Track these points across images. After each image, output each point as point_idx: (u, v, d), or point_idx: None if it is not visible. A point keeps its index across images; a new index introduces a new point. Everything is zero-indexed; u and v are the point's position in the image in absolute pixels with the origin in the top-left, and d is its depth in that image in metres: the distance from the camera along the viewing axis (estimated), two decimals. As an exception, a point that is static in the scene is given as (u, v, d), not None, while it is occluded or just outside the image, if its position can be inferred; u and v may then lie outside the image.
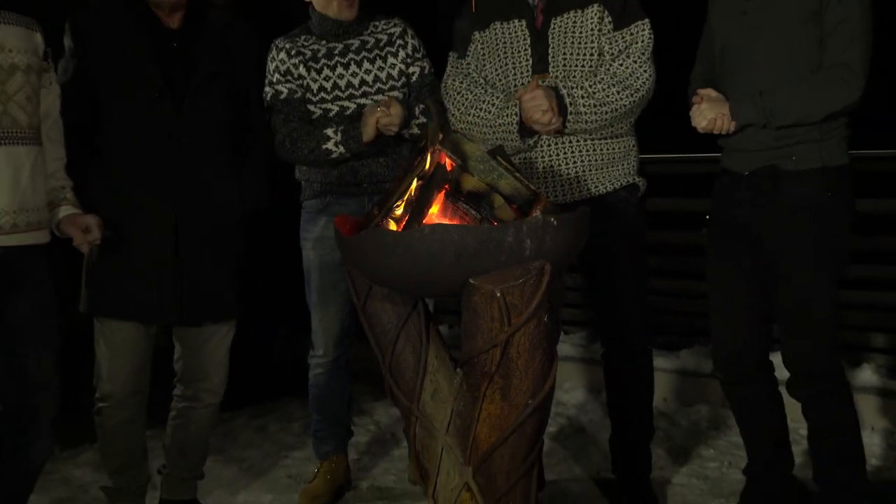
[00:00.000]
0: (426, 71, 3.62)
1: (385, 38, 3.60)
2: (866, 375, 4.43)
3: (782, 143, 2.95)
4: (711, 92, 3.04)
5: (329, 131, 3.43)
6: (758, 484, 3.27)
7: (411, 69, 3.61)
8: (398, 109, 3.33)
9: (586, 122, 3.22)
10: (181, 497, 3.41)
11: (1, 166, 2.66)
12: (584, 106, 3.21)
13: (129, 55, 3.09)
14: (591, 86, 3.22)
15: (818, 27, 2.90)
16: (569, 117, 3.20)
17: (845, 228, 3.01)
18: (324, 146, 3.42)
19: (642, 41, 3.31)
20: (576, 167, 3.32)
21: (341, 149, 3.41)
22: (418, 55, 3.63)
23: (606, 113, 3.23)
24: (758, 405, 3.23)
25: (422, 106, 3.52)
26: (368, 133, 3.35)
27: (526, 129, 3.23)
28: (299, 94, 3.52)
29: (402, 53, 3.60)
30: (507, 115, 3.23)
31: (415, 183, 2.54)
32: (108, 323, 3.16)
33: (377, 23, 3.63)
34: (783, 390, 3.20)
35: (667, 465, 4.03)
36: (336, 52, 3.55)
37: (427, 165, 2.53)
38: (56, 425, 2.94)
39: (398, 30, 3.63)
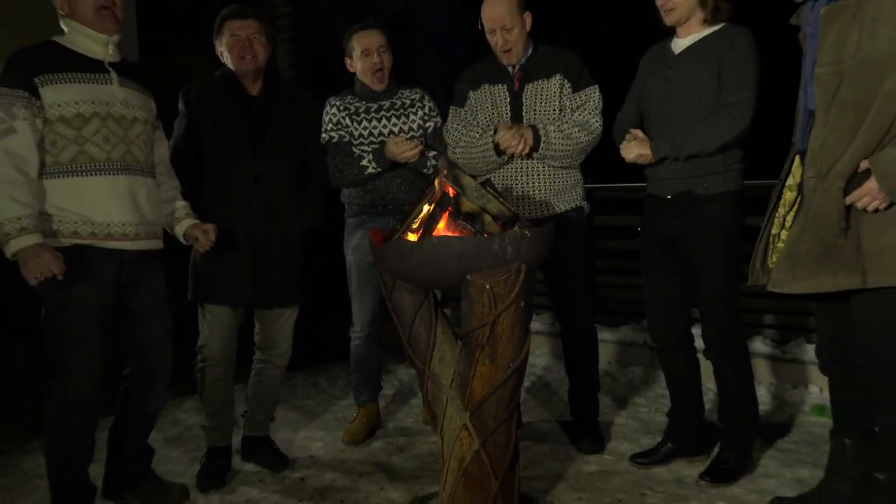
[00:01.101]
0: (438, 125, 3.60)
1: (408, 101, 3.61)
2: (758, 345, 4.41)
3: (696, 173, 2.94)
4: (639, 133, 3.04)
5: (365, 161, 3.44)
6: (678, 423, 3.26)
7: (427, 124, 3.61)
8: (410, 147, 3.38)
9: (554, 149, 3.23)
10: (258, 433, 3.41)
11: (123, 189, 2.64)
12: (554, 138, 3.23)
13: (222, 116, 3.11)
14: (559, 126, 3.24)
15: (719, 89, 2.90)
16: (542, 145, 3.22)
17: (740, 237, 3.01)
18: (364, 171, 3.44)
19: (594, 100, 3.32)
20: (542, 192, 3.32)
21: (374, 165, 3.43)
22: (433, 114, 3.63)
23: (570, 145, 3.24)
24: (682, 366, 3.22)
25: (433, 153, 3.53)
26: (390, 152, 3.39)
27: (499, 150, 3.26)
28: (346, 138, 3.53)
29: (420, 112, 3.60)
30: (487, 139, 3.26)
31: (427, 206, 2.54)
32: (207, 307, 3.17)
33: (403, 90, 3.63)
34: (701, 357, 3.21)
35: (610, 410, 4.02)
36: (372, 109, 3.56)
37: (436, 193, 2.54)
38: (168, 384, 2.95)
39: (418, 96, 3.64)
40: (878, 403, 2.45)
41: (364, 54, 3.51)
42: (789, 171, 2.57)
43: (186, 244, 2.94)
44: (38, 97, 2.51)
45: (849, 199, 2.29)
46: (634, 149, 3.02)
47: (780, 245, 2.57)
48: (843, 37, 2.28)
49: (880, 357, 2.39)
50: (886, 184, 2.22)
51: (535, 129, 3.23)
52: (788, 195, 2.56)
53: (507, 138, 3.20)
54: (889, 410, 2.43)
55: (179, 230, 2.90)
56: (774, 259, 2.59)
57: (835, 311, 2.56)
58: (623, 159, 3.10)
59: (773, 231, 2.60)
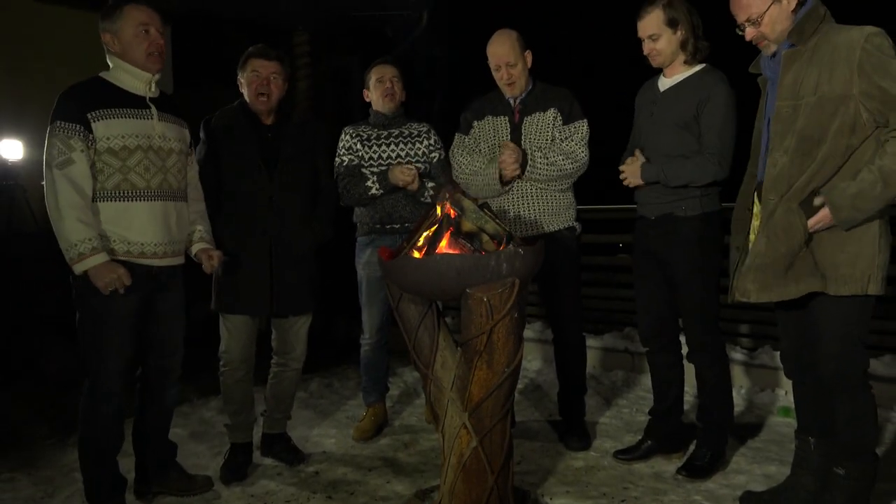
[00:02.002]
0: (441, 157, 3.63)
1: (416, 132, 3.63)
2: (729, 352, 4.39)
3: (676, 197, 2.98)
4: (639, 154, 3.06)
5: (369, 182, 3.46)
6: (659, 422, 3.25)
7: (432, 154, 3.63)
8: (410, 170, 3.40)
9: (539, 173, 3.27)
10: (276, 431, 3.39)
11: (159, 214, 2.68)
12: (539, 163, 3.27)
13: (239, 143, 3.12)
14: (545, 153, 3.27)
15: (697, 127, 2.93)
16: (528, 167, 3.26)
17: (718, 253, 3.02)
18: (368, 191, 3.46)
19: (581, 133, 3.33)
20: (535, 212, 3.34)
21: (377, 187, 3.45)
22: (438, 146, 3.65)
23: (553, 171, 3.27)
24: (667, 368, 3.21)
25: (431, 184, 3.54)
26: (394, 178, 3.41)
27: (503, 180, 3.28)
28: (356, 161, 3.55)
29: (426, 143, 3.62)
30: (491, 170, 3.29)
31: (430, 226, 2.54)
32: (227, 316, 3.16)
33: (412, 123, 3.66)
34: (686, 362, 3.20)
35: (595, 411, 4.00)
36: (383, 136, 3.58)
37: (439, 215, 2.54)
38: (181, 379, 2.96)
39: (425, 129, 3.67)
40: (835, 404, 2.45)
41: (378, 82, 3.58)
42: (754, 201, 2.59)
43: (197, 262, 2.95)
44: (91, 131, 2.55)
45: (809, 225, 2.34)
46: (629, 171, 3.06)
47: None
48: (801, 77, 2.37)
49: (836, 361, 2.41)
50: (838, 216, 2.29)
51: (524, 153, 3.28)
52: (755, 223, 2.57)
53: (506, 156, 3.23)
54: (845, 410, 2.43)
55: (192, 251, 2.92)
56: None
57: (796, 320, 2.58)
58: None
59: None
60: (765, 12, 2.41)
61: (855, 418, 2.42)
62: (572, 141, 3.31)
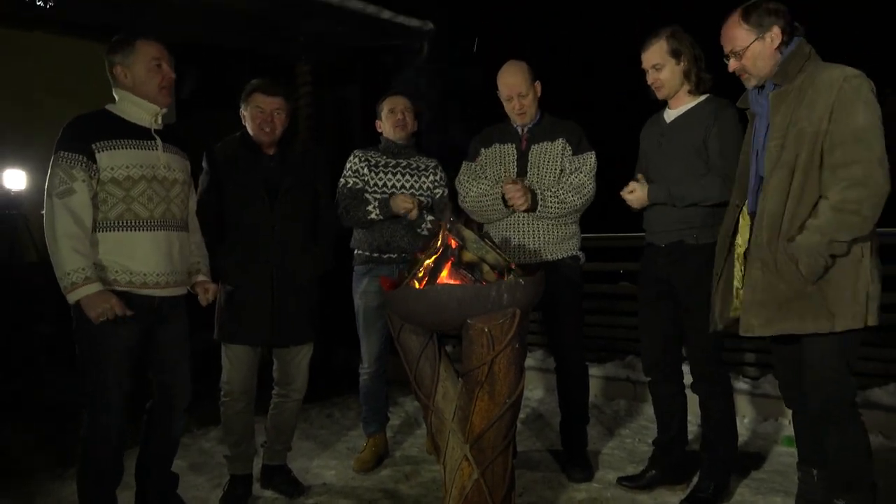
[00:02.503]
0: (444, 193, 3.67)
1: (423, 165, 3.68)
2: (738, 382, 4.39)
3: (687, 225, 2.99)
4: (641, 177, 3.09)
5: (370, 207, 3.48)
6: (663, 452, 3.22)
7: (436, 190, 3.67)
8: (411, 201, 3.43)
9: (549, 211, 3.30)
10: (276, 462, 3.37)
11: (162, 243, 2.69)
12: (550, 202, 3.29)
13: (242, 173, 3.15)
14: (555, 191, 3.29)
15: (705, 153, 2.97)
16: (539, 207, 3.28)
17: None
18: (368, 215, 3.49)
19: (590, 164, 3.37)
20: (538, 241, 3.36)
21: (377, 212, 3.47)
22: (442, 183, 3.69)
23: (564, 208, 3.30)
24: (670, 398, 3.19)
25: (431, 217, 3.56)
26: (395, 205, 3.44)
27: (507, 203, 3.32)
28: (360, 185, 3.58)
29: (431, 178, 3.66)
30: (496, 191, 3.33)
31: (431, 256, 2.53)
32: (229, 346, 3.16)
33: (421, 157, 3.71)
34: (688, 392, 3.18)
35: (597, 440, 3.98)
36: (391, 164, 3.62)
37: (439, 245, 2.55)
38: (187, 411, 2.94)
39: (433, 164, 3.71)
40: (825, 435, 2.45)
41: (391, 112, 3.63)
42: (737, 230, 2.62)
43: (193, 293, 2.94)
44: (95, 161, 2.57)
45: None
46: (634, 191, 3.06)
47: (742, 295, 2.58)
48: (789, 115, 2.42)
49: (825, 392, 2.41)
50: (804, 268, 2.34)
51: (534, 193, 3.30)
52: (739, 251, 2.61)
53: (512, 192, 3.26)
54: (834, 441, 2.42)
55: (191, 282, 2.91)
56: (737, 306, 2.59)
57: (792, 350, 2.57)
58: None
59: (736, 284, 2.63)
60: (747, 47, 2.47)
61: (845, 449, 2.42)
62: (581, 173, 3.34)
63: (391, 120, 3.62)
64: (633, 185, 3.09)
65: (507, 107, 3.41)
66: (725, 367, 3.10)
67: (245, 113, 3.21)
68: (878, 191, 2.27)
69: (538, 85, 3.40)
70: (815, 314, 2.37)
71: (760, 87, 2.55)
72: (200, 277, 2.91)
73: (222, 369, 3.20)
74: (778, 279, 2.40)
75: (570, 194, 3.30)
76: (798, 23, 2.50)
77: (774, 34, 2.45)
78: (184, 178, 2.81)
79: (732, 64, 2.53)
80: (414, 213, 3.46)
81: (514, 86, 3.35)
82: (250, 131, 3.19)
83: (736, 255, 2.62)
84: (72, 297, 2.51)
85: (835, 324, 2.35)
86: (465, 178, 3.51)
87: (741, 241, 2.59)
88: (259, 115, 3.15)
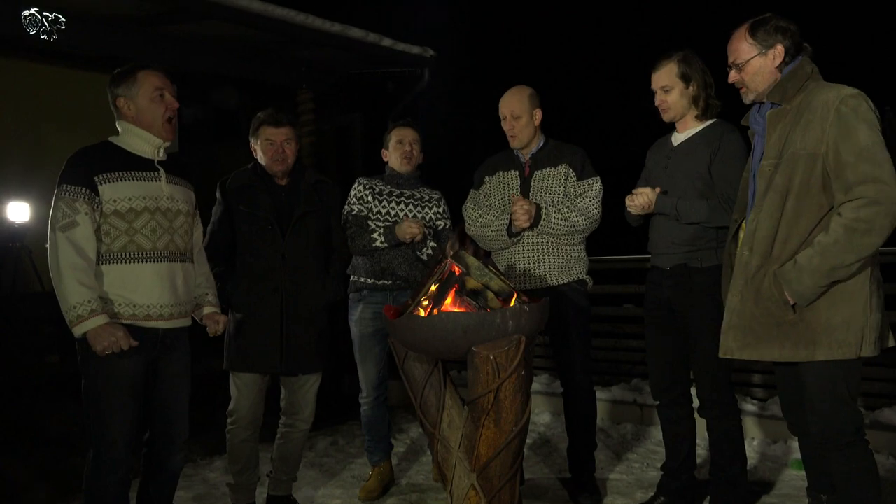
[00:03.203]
0: (446, 225, 3.69)
1: (427, 196, 3.70)
2: (746, 404, 4.37)
3: (691, 247, 2.98)
4: (647, 189, 3.03)
5: (375, 234, 3.49)
6: (672, 478, 3.19)
7: (438, 222, 3.69)
8: (417, 226, 3.44)
9: (552, 227, 3.30)
10: (281, 493, 3.34)
11: (166, 275, 2.67)
12: (554, 218, 3.31)
13: (254, 203, 3.19)
14: (560, 208, 3.31)
15: (710, 177, 2.97)
16: (542, 222, 3.29)
17: None
18: (372, 242, 3.49)
19: (595, 189, 3.39)
20: (545, 265, 3.36)
21: (382, 239, 3.48)
22: (445, 215, 3.72)
23: (567, 226, 3.30)
24: (678, 422, 3.16)
25: (433, 244, 3.57)
26: (401, 232, 3.44)
27: (512, 231, 3.32)
28: (364, 213, 3.59)
29: (434, 209, 3.68)
30: (500, 222, 3.35)
31: (435, 284, 2.55)
32: (238, 374, 3.18)
33: (426, 188, 3.72)
34: (696, 415, 3.15)
35: (605, 466, 3.95)
36: (395, 194, 3.64)
37: (444, 272, 2.56)
38: (187, 444, 2.89)
39: (437, 196, 3.73)
40: (830, 462, 2.42)
41: (398, 143, 3.65)
42: (737, 245, 2.60)
43: (202, 325, 2.94)
44: (97, 193, 2.58)
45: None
46: (639, 198, 3.01)
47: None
48: (785, 135, 2.41)
49: (826, 421, 2.37)
50: (796, 289, 2.31)
51: (539, 207, 3.31)
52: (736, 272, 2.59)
53: (518, 212, 3.27)
54: (840, 469, 2.39)
55: (198, 315, 2.90)
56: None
57: (794, 375, 2.53)
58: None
59: None
60: (748, 61, 2.48)
61: (851, 476, 2.37)
62: (586, 197, 3.36)
63: (399, 151, 3.63)
64: (643, 189, 3.04)
65: (504, 128, 3.45)
66: (733, 391, 3.08)
67: (256, 146, 3.27)
68: (891, 208, 2.23)
69: (538, 112, 3.43)
70: (794, 342, 2.35)
71: (760, 105, 2.55)
72: (209, 309, 2.90)
73: (230, 397, 3.20)
74: (756, 305, 2.39)
75: (574, 213, 3.31)
76: (807, 43, 2.50)
77: (777, 52, 2.45)
78: (187, 209, 2.81)
79: (732, 76, 2.54)
80: (419, 237, 3.47)
81: (506, 105, 3.41)
82: (263, 163, 3.25)
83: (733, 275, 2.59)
84: (78, 331, 2.50)
85: (815, 353, 2.32)
86: (471, 205, 3.54)
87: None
88: (271, 149, 3.21)
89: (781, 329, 2.36)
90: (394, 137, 3.66)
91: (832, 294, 2.31)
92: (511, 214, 3.31)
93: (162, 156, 2.75)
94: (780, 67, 2.46)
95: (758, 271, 2.40)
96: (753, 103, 2.58)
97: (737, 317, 2.44)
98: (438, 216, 3.69)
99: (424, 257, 3.53)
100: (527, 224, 3.28)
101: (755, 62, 2.47)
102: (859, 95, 2.33)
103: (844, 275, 2.29)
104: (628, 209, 3.08)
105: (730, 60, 2.54)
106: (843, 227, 2.24)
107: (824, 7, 9.72)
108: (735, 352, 2.46)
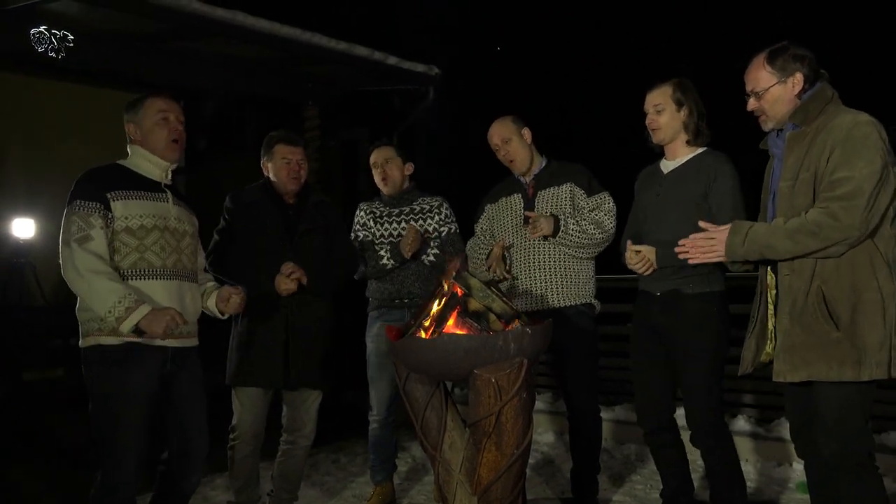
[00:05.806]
0: (452, 230, 3.70)
1: (427, 206, 3.71)
2: (742, 424, 4.35)
3: (683, 274, 2.95)
4: (642, 248, 3.02)
5: (382, 252, 3.54)
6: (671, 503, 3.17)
7: (442, 228, 3.69)
8: (413, 236, 3.48)
9: (570, 239, 3.31)
10: (281, 513, 3.35)
11: (175, 292, 2.68)
12: (572, 229, 3.31)
13: (262, 220, 3.26)
14: (578, 220, 3.34)
15: (705, 205, 2.95)
16: (560, 233, 3.30)
17: (725, 333, 2.98)
18: (381, 262, 3.54)
19: (608, 204, 3.41)
20: (549, 287, 3.37)
21: (388, 257, 3.53)
22: (449, 220, 3.72)
23: (584, 238, 3.32)
24: (667, 448, 3.14)
25: (435, 251, 3.59)
26: (403, 248, 3.48)
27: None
28: (370, 237, 3.64)
29: (437, 217, 3.69)
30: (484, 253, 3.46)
31: (437, 305, 2.55)
32: (241, 389, 3.21)
33: (424, 197, 3.74)
34: (684, 438, 3.12)
35: (608, 487, 3.93)
36: (394, 213, 3.67)
37: (446, 294, 2.56)
38: (204, 463, 2.88)
39: (437, 203, 3.74)
40: (839, 485, 2.40)
41: (374, 167, 3.71)
42: (767, 271, 2.59)
43: (223, 318, 2.91)
44: (110, 209, 2.61)
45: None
46: (641, 264, 2.99)
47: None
48: (802, 157, 2.44)
49: (840, 441, 2.37)
50: (726, 243, 2.48)
51: (556, 218, 3.32)
52: (772, 292, 2.57)
53: (534, 229, 3.30)
54: (850, 492, 2.38)
55: (211, 302, 2.86)
56: (770, 349, 2.56)
57: (805, 397, 2.52)
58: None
59: (770, 325, 2.57)
60: (768, 89, 2.50)
61: (861, 500, 2.37)
62: (601, 211, 3.37)
63: (376, 175, 3.70)
64: (637, 250, 2.99)
65: (500, 159, 3.49)
66: (724, 419, 3.05)
67: (269, 164, 3.32)
68: (844, 233, 2.28)
69: (526, 131, 3.46)
70: (840, 361, 2.34)
71: (780, 129, 2.56)
72: (217, 292, 2.85)
73: (233, 412, 3.22)
74: (802, 326, 2.39)
75: (591, 226, 3.32)
76: (824, 69, 2.52)
77: (797, 80, 2.47)
78: (192, 231, 2.85)
79: (751, 103, 2.55)
80: (417, 243, 3.50)
81: (496, 134, 3.46)
82: (276, 181, 3.30)
83: (770, 296, 2.58)
84: (127, 326, 2.46)
85: (861, 373, 2.32)
86: (471, 241, 3.63)
87: (771, 281, 2.57)
88: (286, 168, 3.28)
89: (826, 350, 2.36)
90: (371, 161, 3.71)
91: (873, 314, 2.32)
92: (529, 228, 3.32)
93: (168, 179, 2.80)
94: (798, 95, 2.48)
95: (799, 292, 2.41)
96: (772, 130, 2.58)
97: (787, 339, 2.43)
98: (441, 223, 3.69)
99: (426, 263, 3.57)
100: (548, 231, 3.28)
101: (775, 90, 2.49)
102: (873, 123, 2.36)
103: (773, 256, 2.43)
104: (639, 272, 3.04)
105: (748, 88, 2.55)
106: (799, 222, 2.35)
107: (827, 25, 9.76)
108: (787, 374, 2.44)
